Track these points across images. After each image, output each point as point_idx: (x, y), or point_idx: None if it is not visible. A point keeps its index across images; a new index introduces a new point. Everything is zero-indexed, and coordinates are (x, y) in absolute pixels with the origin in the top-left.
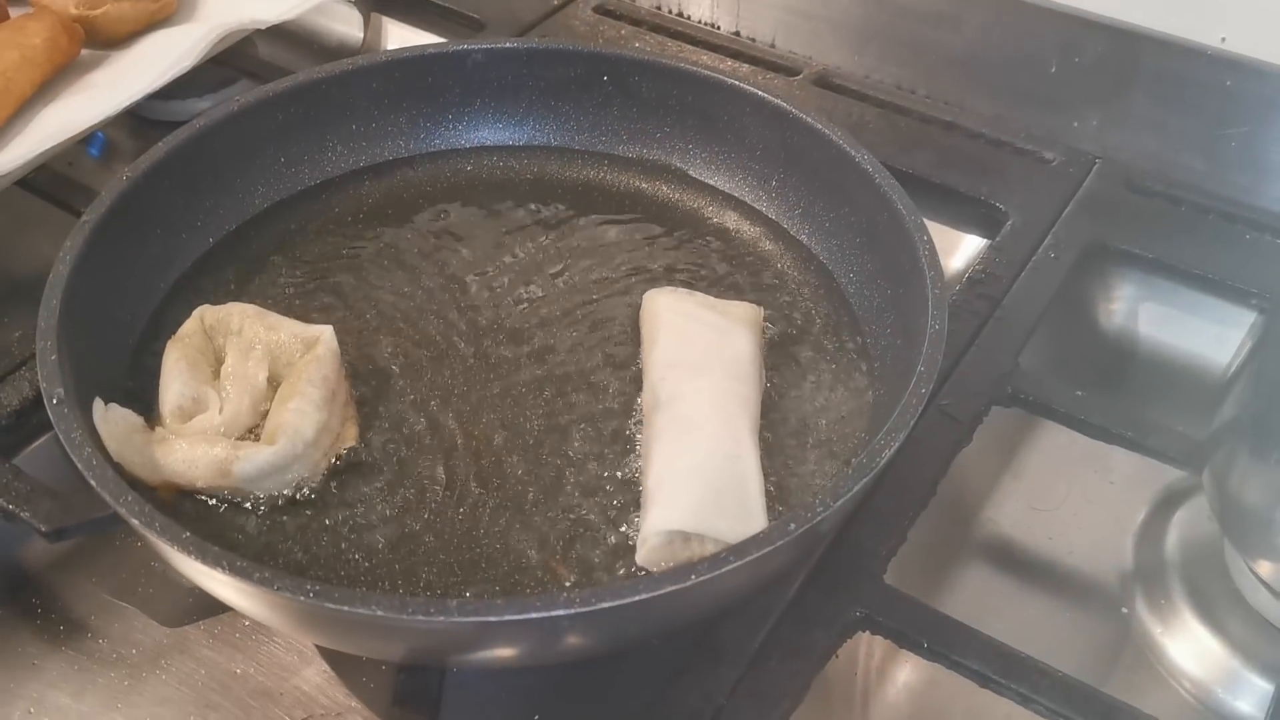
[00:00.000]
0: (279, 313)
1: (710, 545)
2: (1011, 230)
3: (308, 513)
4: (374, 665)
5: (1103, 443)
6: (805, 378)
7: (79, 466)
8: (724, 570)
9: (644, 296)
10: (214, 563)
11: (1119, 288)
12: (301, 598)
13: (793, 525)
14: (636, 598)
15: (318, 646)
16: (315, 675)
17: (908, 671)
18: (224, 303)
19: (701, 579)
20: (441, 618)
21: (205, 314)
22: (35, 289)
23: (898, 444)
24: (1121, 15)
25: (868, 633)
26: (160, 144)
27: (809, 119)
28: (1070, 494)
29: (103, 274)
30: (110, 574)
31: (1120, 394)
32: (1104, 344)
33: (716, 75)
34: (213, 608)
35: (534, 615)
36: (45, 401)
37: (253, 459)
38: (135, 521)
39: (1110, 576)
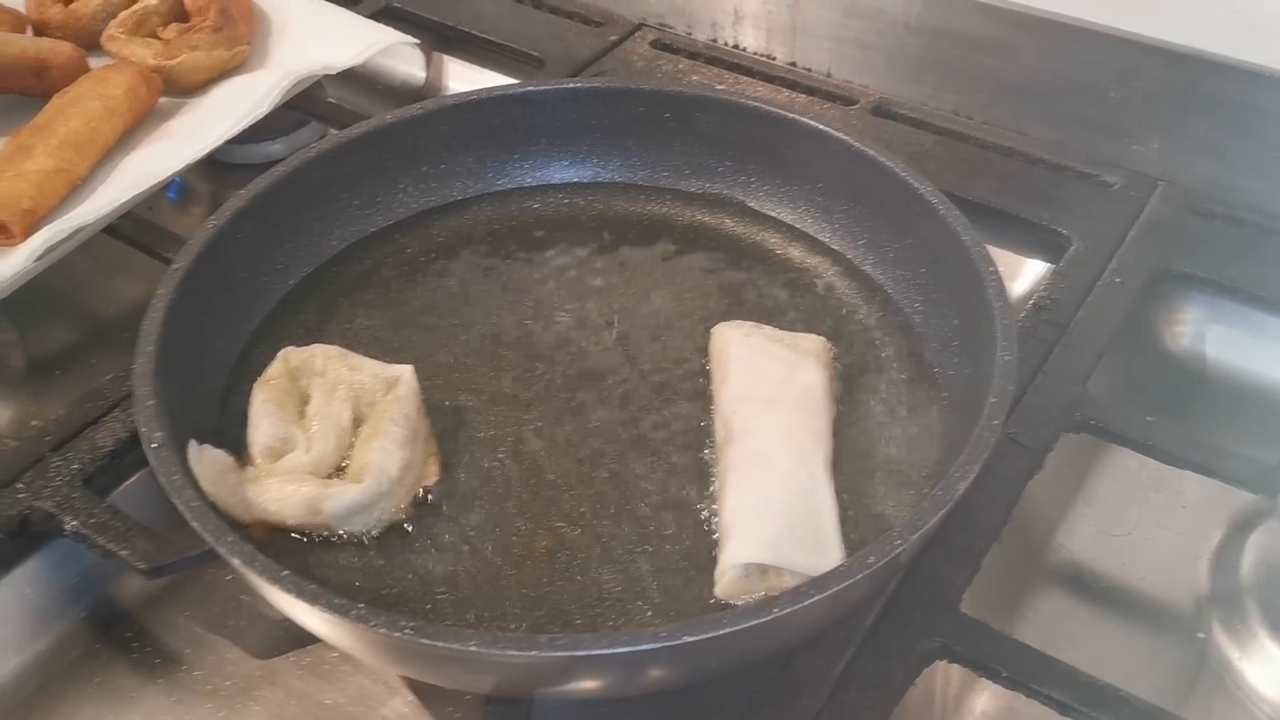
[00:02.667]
0: (359, 353)
1: (788, 578)
2: (1075, 255)
3: (393, 547)
4: (460, 696)
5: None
6: (875, 408)
7: (180, 508)
8: (806, 603)
9: (712, 330)
10: (313, 600)
11: (1185, 311)
12: (398, 634)
13: (872, 558)
14: (722, 631)
15: (404, 677)
16: (402, 705)
17: (985, 700)
18: (306, 344)
19: (784, 612)
20: (534, 652)
21: (289, 356)
22: (120, 331)
23: (973, 474)
24: (1179, 39)
25: (945, 662)
26: (242, 191)
27: (873, 152)
28: (1141, 519)
29: (191, 319)
30: (201, 607)
31: (1189, 418)
32: (1171, 368)
33: (779, 110)
34: (302, 639)
35: (622, 649)
36: (144, 445)
37: (341, 497)
38: (236, 561)
39: (1185, 601)
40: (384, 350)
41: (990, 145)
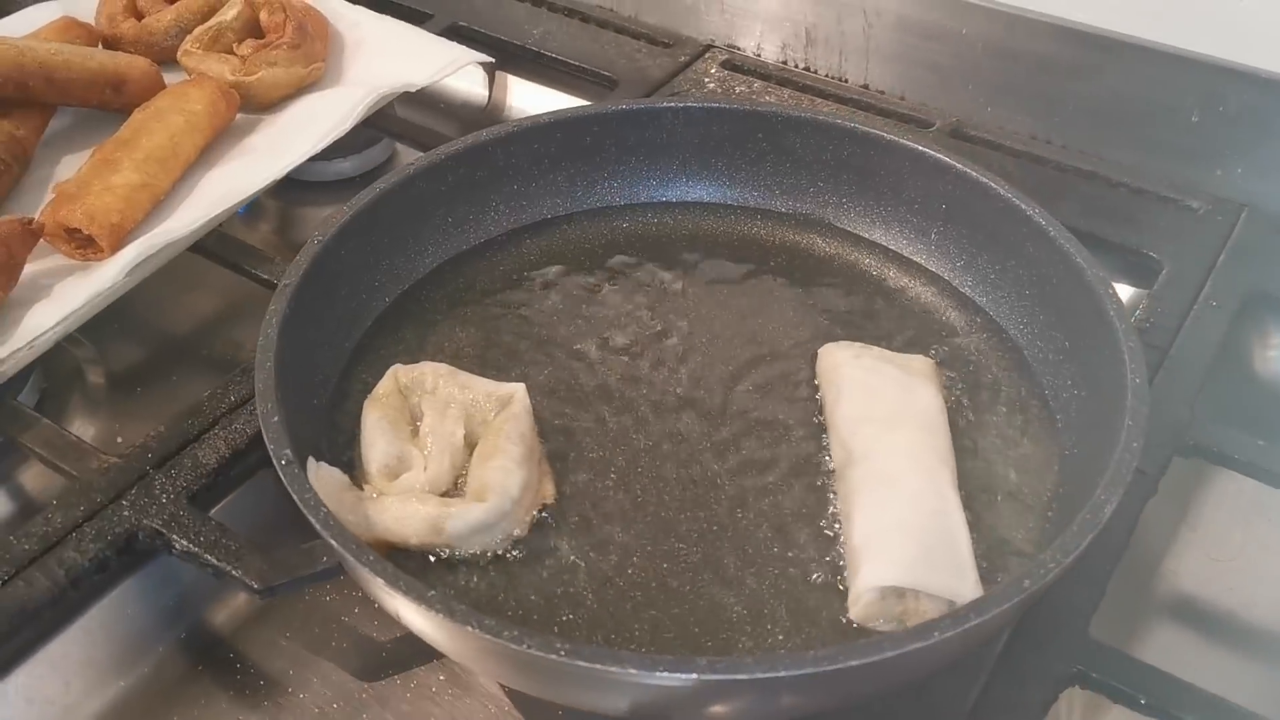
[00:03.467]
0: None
1: (925, 601)
2: (1168, 279)
3: (512, 568)
4: (572, 715)
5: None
6: (988, 431)
7: (317, 526)
8: (967, 626)
9: (820, 351)
10: (463, 620)
11: (1278, 334)
12: (554, 656)
13: (1027, 581)
14: (887, 654)
15: (511, 698)
16: None
17: None
18: (407, 362)
19: (946, 635)
20: (693, 675)
21: (399, 373)
22: (198, 347)
23: (1117, 499)
24: (1264, 64)
25: (1077, 687)
26: (346, 206)
27: (975, 173)
28: (1247, 543)
29: (300, 336)
30: (302, 629)
31: None
32: (1266, 391)
33: (874, 131)
34: (407, 661)
35: (788, 673)
36: (275, 462)
37: (465, 517)
38: (380, 580)
39: None
40: (483, 368)
41: (1070, 169)
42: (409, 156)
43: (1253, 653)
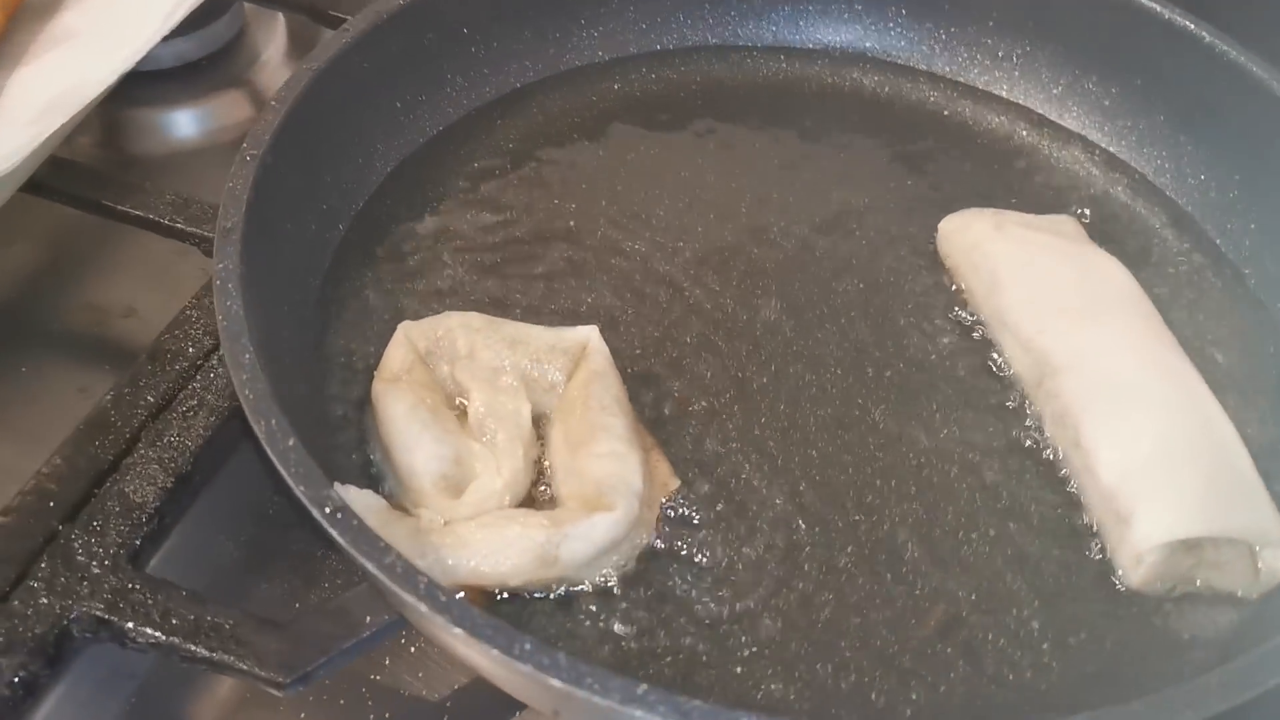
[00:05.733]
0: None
1: (1227, 550)
2: None
3: (654, 592)
4: None
5: None
6: (1173, 304)
7: (383, 578)
8: None
9: (943, 227)
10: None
11: None
12: None
13: None
14: None
15: None
16: None
17: None
18: (405, 315)
19: None
20: None
21: (413, 334)
22: (47, 318)
23: None
24: None
25: None
26: (272, 106)
27: None
28: None
29: (256, 301)
30: (324, 706)
31: None
32: None
33: None
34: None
35: None
36: (314, 510)
37: (588, 535)
38: (494, 650)
39: None
40: (498, 306)
41: None
42: (263, 25)
43: None
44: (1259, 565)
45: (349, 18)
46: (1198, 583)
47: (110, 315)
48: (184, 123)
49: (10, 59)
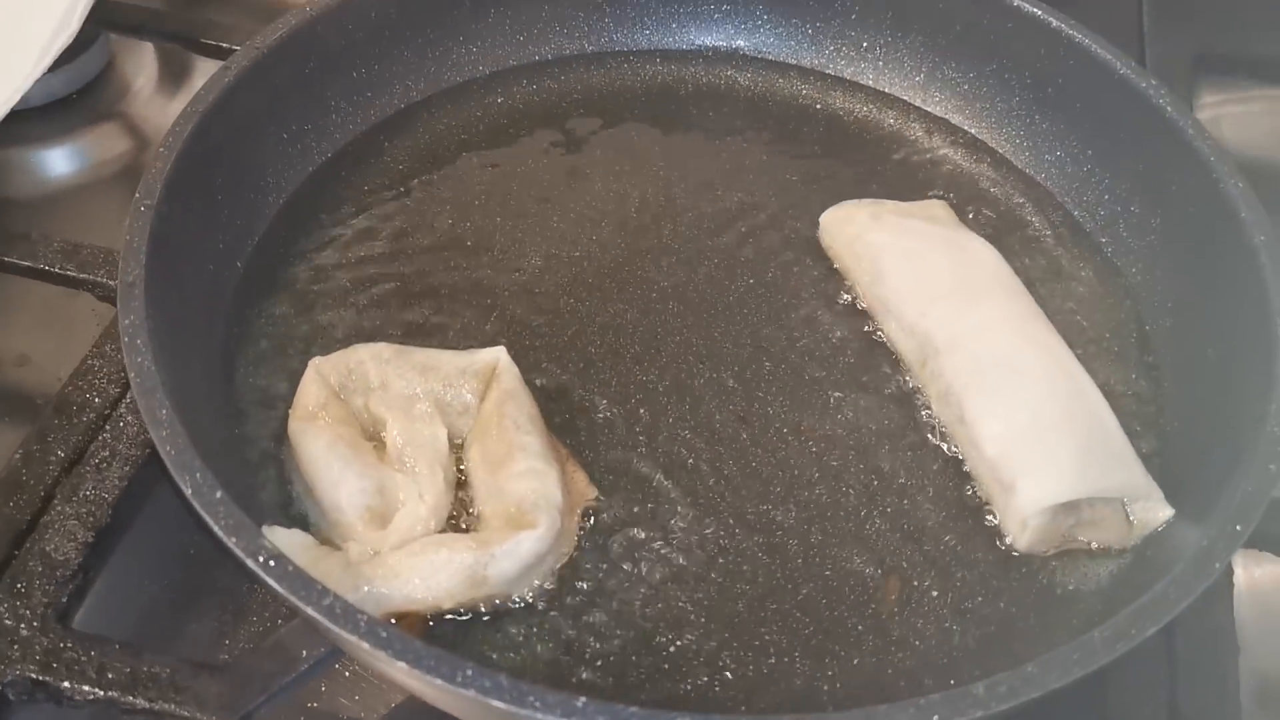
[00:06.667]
0: (378, 339)
1: (1102, 508)
2: None
3: (580, 601)
4: None
5: None
6: (1038, 274)
7: (312, 613)
8: None
9: (824, 220)
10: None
11: None
12: None
13: None
14: None
15: None
16: None
17: None
18: (302, 348)
19: None
20: None
21: (324, 370)
22: None
23: None
24: None
25: None
26: (161, 150)
27: None
28: None
29: (161, 350)
30: None
31: None
32: None
33: None
34: None
35: None
36: (248, 560)
37: (515, 553)
38: (438, 680)
39: None
40: (405, 332)
41: None
42: (131, 55)
43: None
44: (1131, 519)
45: (223, 45)
46: (1080, 539)
47: (3, 365)
48: (59, 160)
49: None
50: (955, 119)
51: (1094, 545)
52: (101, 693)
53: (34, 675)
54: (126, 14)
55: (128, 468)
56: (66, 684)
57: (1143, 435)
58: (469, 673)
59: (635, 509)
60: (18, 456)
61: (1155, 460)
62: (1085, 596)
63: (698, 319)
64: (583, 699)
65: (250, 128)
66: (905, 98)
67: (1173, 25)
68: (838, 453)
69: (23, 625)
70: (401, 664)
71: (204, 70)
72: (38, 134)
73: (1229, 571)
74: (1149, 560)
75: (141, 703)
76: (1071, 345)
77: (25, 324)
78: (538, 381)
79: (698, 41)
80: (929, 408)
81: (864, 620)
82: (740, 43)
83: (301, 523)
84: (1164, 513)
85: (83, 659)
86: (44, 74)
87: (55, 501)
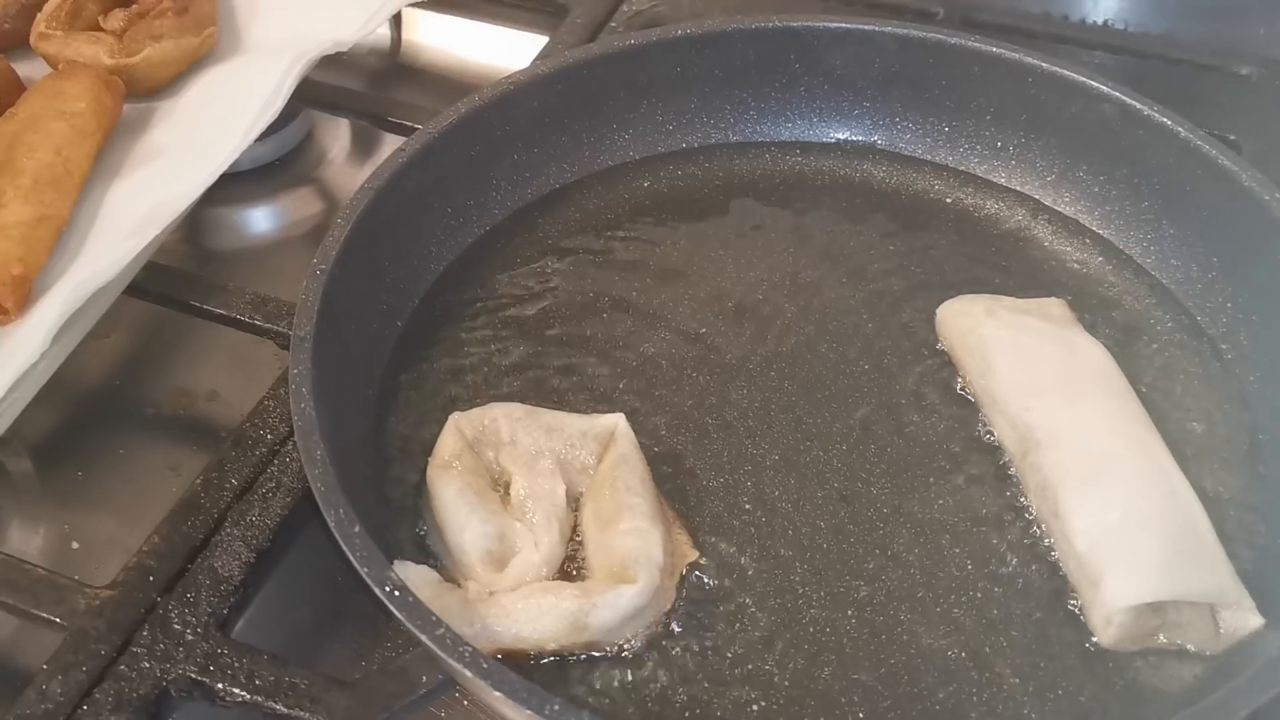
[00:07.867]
0: (516, 399)
1: (1187, 611)
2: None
3: (674, 653)
4: None
5: None
6: (1152, 377)
7: (432, 645)
8: None
9: (941, 312)
10: None
11: None
12: None
13: None
14: None
15: None
16: None
17: None
18: (449, 402)
19: None
20: None
21: (462, 425)
22: (141, 403)
23: None
24: None
25: None
26: (338, 222)
27: (1068, 71)
28: None
29: (324, 398)
30: None
31: None
32: None
33: (933, 35)
34: None
35: None
36: (377, 589)
37: (615, 604)
38: (528, 710)
39: None
40: (539, 393)
41: (1098, 44)
42: (328, 129)
43: None
44: (1219, 624)
45: (406, 123)
46: (1163, 640)
47: (196, 399)
48: (259, 219)
49: (107, 174)
50: (1084, 220)
51: (1180, 647)
52: (249, 696)
53: (194, 675)
54: (326, 93)
55: (289, 498)
56: (220, 685)
57: (1242, 543)
58: (555, 707)
59: (734, 574)
60: (199, 482)
61: (1251, 569)
62: (1168, 697)
63: (811, 398)
64: None
65: (418, 202)
66: (1036, 196)
67: None
68: (933, 536)
69: (189, 631)
70: (499, 694)
71: (391, 143)
72: (243, 195)
73: None
74: (1236, 666)
75: (281, 708)
76: (1181, 449)
77: (218, 364)
78: (654, 448)
79: (837, 135)
80: (1027, 499)
81: (943, 700)
82: (877, 138)
83: (431, 560)
84: (1254, 621)
85: (236, 665)
86: (253, 143)
87: (226, 524)
